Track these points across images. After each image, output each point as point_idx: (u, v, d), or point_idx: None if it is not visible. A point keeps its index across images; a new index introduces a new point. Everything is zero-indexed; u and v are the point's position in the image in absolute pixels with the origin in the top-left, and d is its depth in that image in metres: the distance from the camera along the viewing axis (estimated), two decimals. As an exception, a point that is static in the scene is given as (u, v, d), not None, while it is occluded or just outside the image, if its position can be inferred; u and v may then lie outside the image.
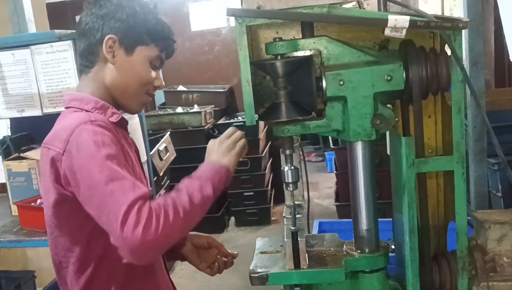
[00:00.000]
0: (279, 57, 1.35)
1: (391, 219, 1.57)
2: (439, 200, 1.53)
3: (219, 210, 5.40)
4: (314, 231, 2.45)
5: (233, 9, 1.30)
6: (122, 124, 1.47)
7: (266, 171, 5.54)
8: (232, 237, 5.26)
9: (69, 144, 1.27)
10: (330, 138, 4.43)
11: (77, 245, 1.36)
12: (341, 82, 1.33)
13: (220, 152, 1.52)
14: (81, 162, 1.25)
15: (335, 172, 4.31)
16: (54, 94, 3.38)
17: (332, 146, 4.21)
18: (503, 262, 1.39)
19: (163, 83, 1.54)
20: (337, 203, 4.07)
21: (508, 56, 2.20)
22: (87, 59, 1.44)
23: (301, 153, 1.74)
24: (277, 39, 1.35)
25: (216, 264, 1.67)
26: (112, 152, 1.26)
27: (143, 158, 3.14)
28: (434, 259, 1.45)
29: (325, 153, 7.35)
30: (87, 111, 1.39)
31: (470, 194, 2.78)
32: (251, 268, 1.43)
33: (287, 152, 1.44)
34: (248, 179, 5.35)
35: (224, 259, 1.67)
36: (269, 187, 5.57)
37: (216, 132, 5.47)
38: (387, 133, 1.56)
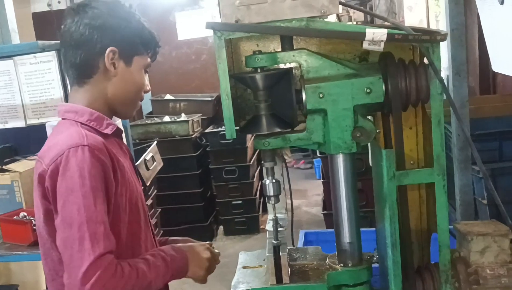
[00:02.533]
0: (258, 70, 1.34)
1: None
2: (422, 212, 1.53)
3: (207, 219, 5.37)
4: (300, 241, 2.43)
5: (212, 23, 1.29)
6: (117, 134, 1.48)
7: (254, 179, 5.53)
8: (221, 246, 5.22)
9: (55, 164, 1.28)
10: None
11: None
12: (321, 95, 1.32)
13: (201, 265, 1.49)
14: (62, 190, 1.26)
15: (322, 180, 4.30)
16: (38, 105, 3.34)
17: (318, 154, 4.20)
18: (486, 274, 1.38)
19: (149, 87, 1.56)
20: (325, 212, 4.06)
21: (491, 65, 2.21)
22: (84, 71, 1.43)
23: (284, 163, 1.72)
24: (257, 52, 1.34)
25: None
26: (95, 185, 1.26)
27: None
28: (418, 272, 1.44)
29: (314, 160, 7.35)
30: (82, 123, 1.39)
31: (456, 202, 2.79)
32: (232, 283, 1.42)
33: (268, 165, 1.43)
34: (236, 187, 5.33)
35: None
36: (257, 196, 5.55)
37: (204, 140, 5.46)
38: (369, 144, 1.56)
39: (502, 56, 2.16)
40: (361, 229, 1.72)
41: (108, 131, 1.42)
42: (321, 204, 4.89)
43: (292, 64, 1.43)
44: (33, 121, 3.29)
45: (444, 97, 1.33)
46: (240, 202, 5.37)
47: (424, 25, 5.70)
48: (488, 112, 3.54)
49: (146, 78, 1.53)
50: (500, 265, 1.38)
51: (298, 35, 1.36)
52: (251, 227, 5.38)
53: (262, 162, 1.45)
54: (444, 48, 2.65)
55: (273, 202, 1.45)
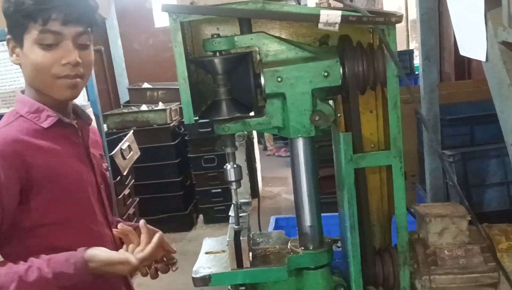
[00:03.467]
0: (217, 54, 1.33)
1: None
2: (383, 195, 1.54)
3: (187, 208, 5.36)
4: (271, 227, 2.44)
5: (166, 5, 1.27)
6: (62, 125, 1.43)
7: (234, 167, 5.52)
8: (201, 235, 5.23)
9: None
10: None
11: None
12: (279, 79, 1.31)
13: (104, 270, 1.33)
14: None
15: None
16: (7, 94, 3.29)
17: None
18: (444, 255, 1.40)
19: (76, 58, 1.33)
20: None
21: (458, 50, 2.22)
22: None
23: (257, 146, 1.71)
24: (215, 36, 1.33)
25: (154, 266, 1.54)
26: None
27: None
28: (378, 254, 1.45)
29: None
30: (21, 115, 1.39)
31: (426, 186, 2.82)
32: (194, 269, 1.42)
33: (229, 150, 1.42)
34: (216, 176, 5.32)
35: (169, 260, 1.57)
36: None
37: (182, 129, 5.42)
38: (331, 130, 1.56)
39: (468, 40, 2.17)
40: (331, 214, 1.73)
41: (45, 124, 1.38)
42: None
43: (252, 49, 1.42)
44: (2, 110, 3.24)
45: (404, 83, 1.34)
46: (219, 190, 5.36)
47: (402, 11, 5.72)
48: (461, 98, 3.58)
49: (69, 47, 1.33)
50: (458, 246, 1.40)
51: (253, 17, 1.35)
52: (231, 215, 5.38)
53: (222, 147, 1.44)
54: (419, 34, 2.67)
55: (234, 187, 1.45)
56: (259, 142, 7.99)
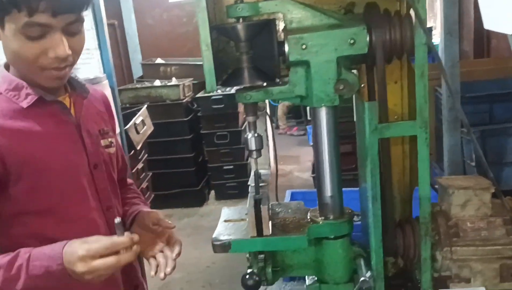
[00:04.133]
0: (240, 20, 1.31)
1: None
2: (405, 167, 1.53)
3: (199, 183, 5.40)
4: (287, 201, 2.44)
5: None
6: (46, 103, 1.32)
7: (246, 144, 5.52)
8: (212, 211, 5.27)
9: None
10: (308, 109, 4.41)
11: None
12: (304, 46, 1.29)
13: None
14: None
15: (311, 144, 4.30)
16: None
17: (309, 117, 4.19)
18: (466, 227, 1.39)
19: (66, 51, 1.23)
20: (314, 175, 4.08)
21: (483, 25, 2.17)
22: None
23: (270, 125, 1.70)
24: (239, 1, 1.30)
25: (161, 253, 1.44)
26: None
27: (116, 130, 3.08)
28: (399, 226, 1.45)
29: (307, 126, 7.34)
30: (1, 93, 1.30)
31: (444, 163, 2.80)
32: (213, 236, 1.42)
33: (250, 119, 1.41)
34: (228, 152, 5.34)
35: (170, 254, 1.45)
36: (248, 161, 5.56)
37: (195, 105, 5.42)
38: (354, 99, 1.54)
39: (493, 13, 2.12)
40: (349, 188, 1.72)
41: (25, 104, 1.28)
42: (311, 171, 4.92)
43: (276, 15, 1.39)
44: None
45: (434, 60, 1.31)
46: (231, 167, 5.39)
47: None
48: (480, 75, 3.52)
49: (61, 39, 1.22)
50: (480, 218, 1.39)
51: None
52: (242, 191, 5.40)
53: (244, 116, 1.43)
54: (439, 10, 2.62)
55: (255, 157, 1.44)
56: (271, 121, 7.97)
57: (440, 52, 2.79)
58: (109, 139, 1.49)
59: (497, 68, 3.66)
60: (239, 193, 5.38)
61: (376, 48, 1.28)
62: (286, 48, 1.30)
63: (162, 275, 1.39)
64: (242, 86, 1.35)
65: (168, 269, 1.41)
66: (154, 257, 1.44)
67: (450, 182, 1.44)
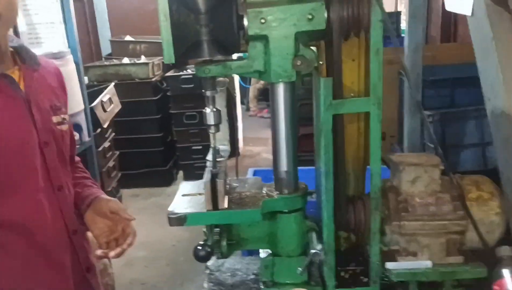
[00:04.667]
0: (200, -8, 1.30)
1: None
2: (360, 145, 1.56)
3: (167, 163, 5.37)
4: (249, 179, 2.46)
5: None
6: None
7: (215, 125, 5.51)
8: (180, 190, 5.27)
9: None
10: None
11: None
12: (263, 20, 1.30)
13: None
14: None
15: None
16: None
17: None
18: (415, 202, 1.43)
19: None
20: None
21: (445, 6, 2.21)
22: None
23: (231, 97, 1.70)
24: (199, -27, 1.30)
25: (116, 240, 1.44)
26: None
27: (79, 107, 3.03)
28: (351, 201, 1.49)
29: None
30: None
31: (404, 145, 2.87)
32: (169, 209, 1.43)
33: (208, 93, 1.42)
34: (197, 133, 5.32)
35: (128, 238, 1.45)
36: (217, 141, 5.56)
37: (164, 84, 5.37)
38: (313, 78, 1.56)
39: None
40: (307, 167, 1.75)
41: None
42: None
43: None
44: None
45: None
46: (200, 147, 5.37)
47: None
48: (444, 60, 3.59)
49: None
50: (429, 194, 1.44)
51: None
52: (211, 172, 5.41)
53: (202, 90, 1.44)
54: (404, -6, 2.66)
55: (213, 131, 1.45)
56: (242, 103, 7.96)
57: (406, 36, 2.83)
58: (62, 116, 1.43)
59: (462, 53, 3.73)
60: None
61: (333, 23, 1.30)
62: (246, 22, 1.30)
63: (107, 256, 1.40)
64: (201, 60, 1.35)
65: (112, 254, 1.41)
66: (107, 243, 1.44)
67: (401, 159, 1.48)
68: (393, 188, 1.47)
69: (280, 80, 1.36)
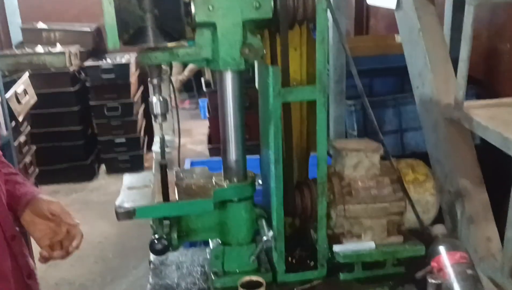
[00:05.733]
0: (143, -24, 1.25)
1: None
2: (302, 132, 1.60)
3: (88, 157, 5.15)
4: (186, 170, 2.43)
5: None
6: None
7: (139, 117, 5.36)
8: (103, 185, 5.08)
9: None
10: (203, 82, 4.38)
11: None
12: (210, 7, 1.28)
13: None
14: None
15: (207, 117, 4.31)
16: None
17: (204, 89, 4.17)
18: (358, 186, 1.50)
19: None
20: (210, 146, 4.11)
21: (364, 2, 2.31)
22: None
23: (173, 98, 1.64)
24: (143, -44, 1.25)
25: (59, 242, 1.35)
26: None
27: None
28: (297, 187, 1.52)
29: (199, 100, 7.34)
30: None
31: (329, 133, 2.98)
32: (117, 203, 1.37)
33: (155, 81, 1.37)
34: (119, 125, 5.15)
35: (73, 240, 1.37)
36: (141, 134, 5.42)
37: (83, 74, 5.11)
38: (256, 66, 1.57)
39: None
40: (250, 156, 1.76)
41: None
42: (205, 141, 4.93)
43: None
44: None
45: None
46: (123, 140, 5.21)
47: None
48: (361, 52, 3.75)
49: None
50: (370, 178, 1.51)
51: None
52: (135, 165, 5.27)
53: (148, 79, 1.39)
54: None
55: (160, 121, 1.41)
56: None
57: (330, 28, 2.92)
58: None
59: (375, 45, 3.93)
60: (132, 166, 5.23)
61: (280, 13, 1.31)
62: (193, 8, 1.28)
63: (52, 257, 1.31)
64: (146, 47, 1.31)
65: (57, 254, 1.34)
66: (51, 246, 1.34)
67: (343, 145, 1.54)
68: (337, 173, 1.52)
69: (229, 68, 1.36)
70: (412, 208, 1.49)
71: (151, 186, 1.47)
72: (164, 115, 1.40)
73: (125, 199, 1.40)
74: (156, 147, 1.48)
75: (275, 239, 1.43)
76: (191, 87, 7.82)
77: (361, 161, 1.51)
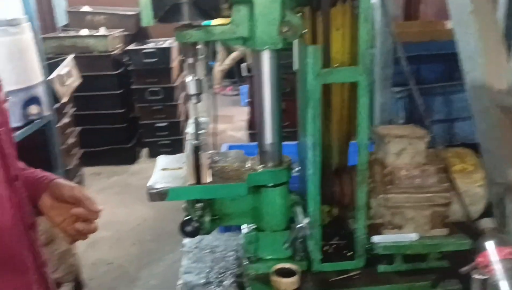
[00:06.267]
0: (180, -49, 1.21)
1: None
2: (343, 116, 1.52)
3: (130, 140, 5.22)
4: (223, 154, 2.40)
5: None
6: None
7: (180, 101, 5.38)
8: (143, 169, 5.13)
9: None
10: (244, 67, 4.34)
11: None
12: (248, -17, 1.23)
13: None
14: None
15: (248, 100, 4.26)
16: None
17: (244, 74, 4.13)
18: (400, 175, 1.42)
19: None
20: (250, 131, 4.07)
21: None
22: None
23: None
24: None
25: (77, 226, 1.24)
26: None
27: (37, 79, 2.84)
28: (336, 174, 1.46)
29: (240, 86, 7.31)
30: None
31: (374, 121, 2.87)
32: (149, 184, 1.35)
33: (190, 60, 1.33)
34: (161, 109, 5.18)
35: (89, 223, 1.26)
36: (182, 118, 5.44)
37: (125, 58, 5.17)
38: (294, 47, 1.50)
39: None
40: (288, 142, 1.70)
41: None
42: (246, 128, 4.90)
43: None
44: None
45: None
46: (165, 124, 5.24)
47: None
48: (408, 38, 3.60)
49: None
50: (414, 166, 1.42)
51: None
52: (176, 149, 5.28)
53: (183, 57, 1.35)
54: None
55: (194, 101, 1.37)
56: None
57: (375, 10, 2.80)
58: (3, 92, 1.22)
59: (424, 30, 3.76)
60: (173, 151, 5.20)
61: (322, -11, 1.24)
62: (229, -16, 1.23)
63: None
64: (181, 23, 1.26)
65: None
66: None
67: (386, 131, 1.46)
68: (379, 160, 1.45)
69: (266, 47, 1.30)
70: (458, 200, 1.39)
71: (184, 168, 1.44)
72: (198, 96, 1.37)
73: (158, 180, 1.38)
74: (190, 128, 1.43)
75: (310, 227, 1.38)
76: (232, 74, 7.81)
77: (405, 148, 1.42)
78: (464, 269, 1.28)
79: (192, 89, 1.34)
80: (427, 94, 3.14)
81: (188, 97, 1.36)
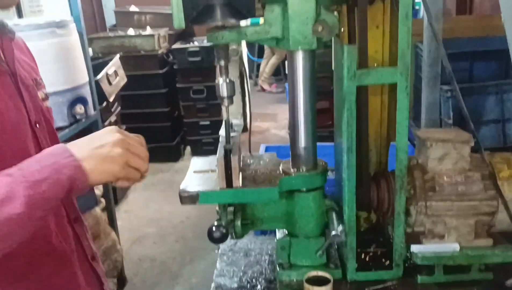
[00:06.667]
0: (212, -48, 1.18)
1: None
2: (383, 119, 1.46)
3: (174, 139, 5.29)
4: (261, 155, 2.37)
5: None
6: None
7: (223, 100, 5.40)
8: (187, 166, 5.15)
9: None
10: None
11: None
12: (281, -18, 1.19)
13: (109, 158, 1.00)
14: None
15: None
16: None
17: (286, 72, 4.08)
18: (443, 181, 1.34)
19: None
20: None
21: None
22: None
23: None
24: None
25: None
26: None
27: (84, 79, 2.92)
28: (373, 179, 1.39)
29: (285, 84, 7.25)
30: None
31: (421, 121, 2.76)
32: (181, 187, 1.34)
33: (222, 62, 1.31)
34: (204, 108, 5.22)
35: None
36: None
37: (171, 57, 5.24)
38: (333, 46, 1.45)
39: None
40: (324, 143, 1.65)
41: None
42: (287, 127, 4.85)
43: None
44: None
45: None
46: (208, 122, 5.28)
47: None
48: (461, 33, 3.44)
49: None
50: (458, 172, 1.34)
51: None
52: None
53: (215, 59, 1.33)
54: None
55: (226, 104, 1.34)
56: (250, 78, 7.82)
57: (423, 5, 2.69)
58: (44, 91, 1.25)
59: (479, 25, 3.58)
60: (216, 149, 5.25)
61: (359, -13, 1.18)
62: (262, -17, 1.19)
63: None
64: (213, 25, 1.24)
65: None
66: None
67: (428, 135, 1.38)
68: (419, 165, 1.37)
69: (300, 47, 1.25)
70: (505, 209, 1.30)
71: (216, 171, 1.42)
72: (230, 98, 1.34)
73: (190, 183, 1.37)
74: (222, 131, 1.41)
75: (345, 234, 1.32)
76: (278, 71, 7.77)
77: (448, 153, 1.34)
78: (510, 281, 1.20)
79: (223, 92, 1.32)
80: (479, 92, 3.00)
81: (220, 99, 1.34)
